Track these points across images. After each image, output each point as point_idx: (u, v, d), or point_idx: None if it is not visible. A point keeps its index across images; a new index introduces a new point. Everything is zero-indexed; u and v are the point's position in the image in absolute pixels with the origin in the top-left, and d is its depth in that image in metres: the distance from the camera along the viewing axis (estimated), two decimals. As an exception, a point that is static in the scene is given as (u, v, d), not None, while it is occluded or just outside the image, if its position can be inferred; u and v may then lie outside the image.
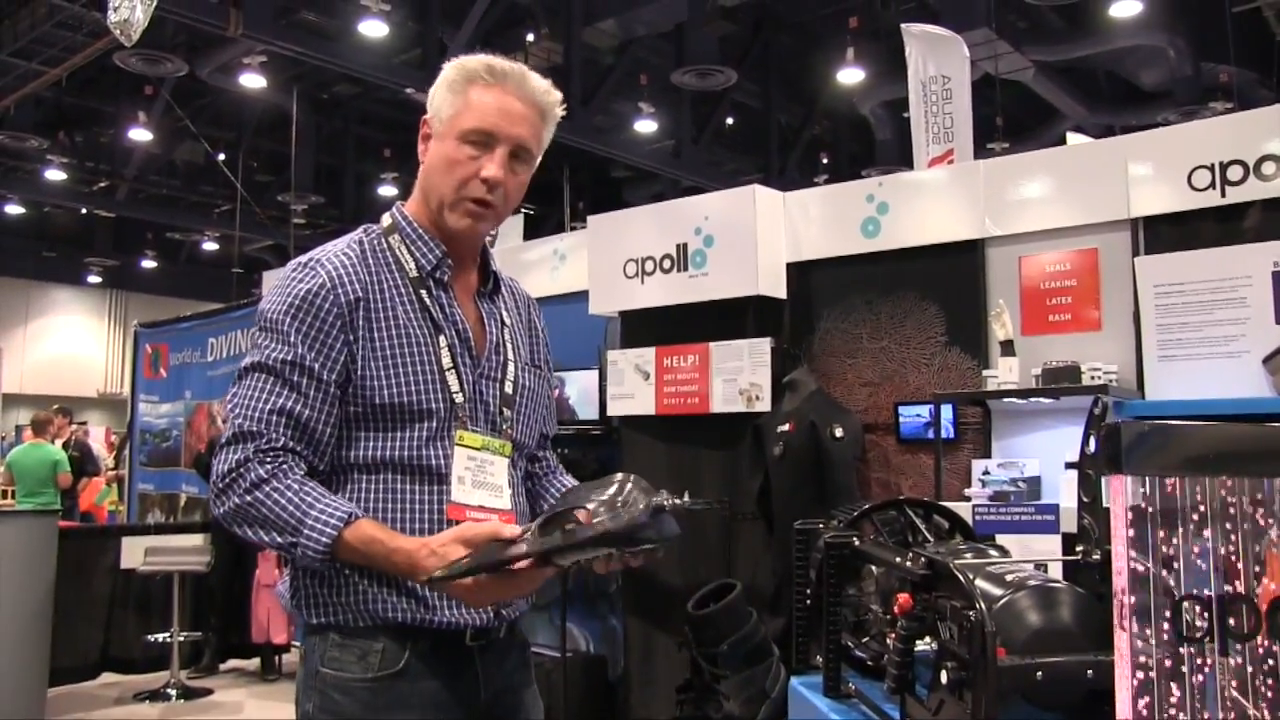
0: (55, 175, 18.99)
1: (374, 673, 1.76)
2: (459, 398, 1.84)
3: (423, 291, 1.87)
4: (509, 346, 1.98)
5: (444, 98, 1.85)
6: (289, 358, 1.76)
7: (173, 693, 7.00)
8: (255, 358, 1.79)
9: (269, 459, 1.72)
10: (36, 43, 13.38)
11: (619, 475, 1.69)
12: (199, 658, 7.80)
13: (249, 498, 1.70)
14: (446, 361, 1.84)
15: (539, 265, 6.90)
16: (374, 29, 13.00)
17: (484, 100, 1.81)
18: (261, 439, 1.73)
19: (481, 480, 1.86)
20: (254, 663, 7.88)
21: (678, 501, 1.65)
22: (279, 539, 1.69)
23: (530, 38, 15.70)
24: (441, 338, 1.85)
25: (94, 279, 25.64)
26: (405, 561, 1.66)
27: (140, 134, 16.97)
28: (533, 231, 12.11)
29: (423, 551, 1.65)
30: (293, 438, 1.75)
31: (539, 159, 1.94)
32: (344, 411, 1.80)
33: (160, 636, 7.30)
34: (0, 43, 13.75)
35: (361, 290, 1.81)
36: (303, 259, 1.86)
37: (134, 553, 7.19)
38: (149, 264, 25.49)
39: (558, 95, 1.90)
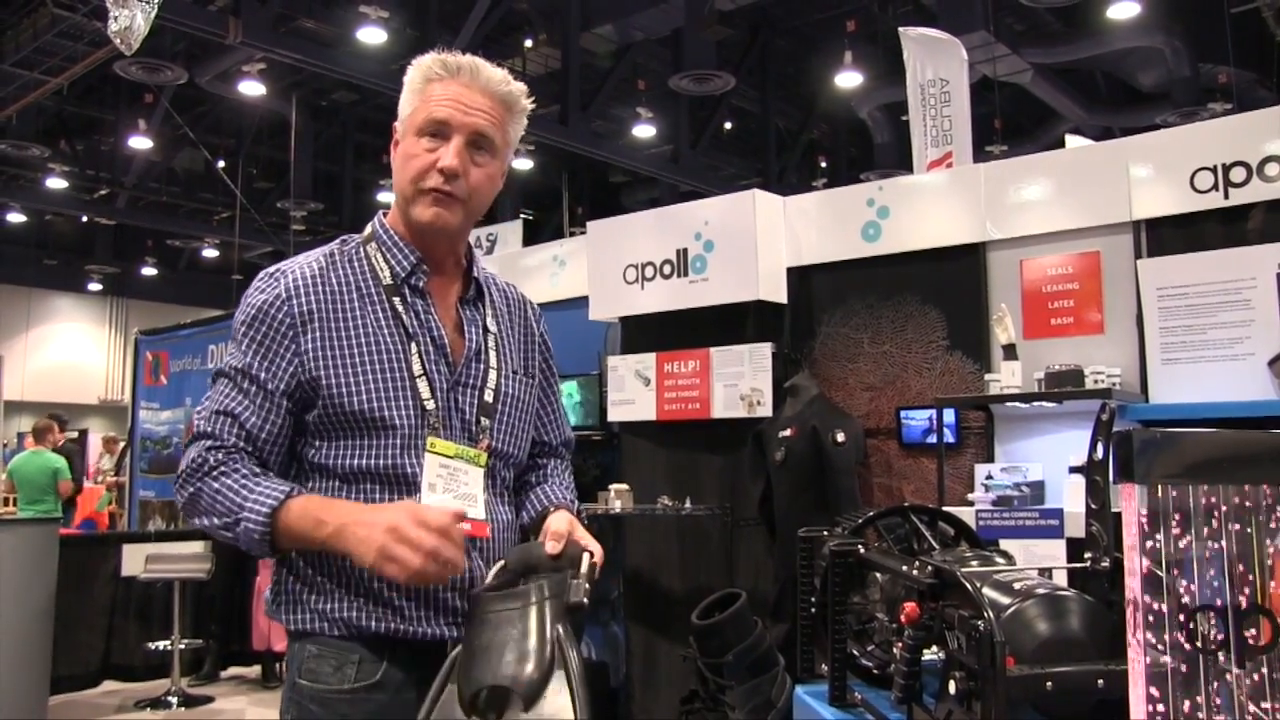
0: (56, 183, 19.02)
1: (350, 684, 1.74)
2: (429, 405, 1.82)
3: (395, 299, 1.85)
4: (492, 354, 1.94)
5: (405, 99, 1.87)
6: (240, 366, 1.79)
7: (174, 700, 6.98)
8: (220, 365, 1.84)
9: (220, 453, 1.75)
10: (38, 52, 13.42)
11: (533, 615, 1.62)
12: (200, 665, 7.78)
13: (200, 484, 1.74)
14: (417, 369, 1.82)
15: (539, 271, 6.89)
16: (372, 36, 13.02)
17: (437, 93, 1.82)
18: (214, 438, 1.77)
19: (454, 489, 1.83)
20: (255, 670, 7.87)
21: (586, 589, 1.64)
22: (223, 521, 1.71)
23: (528, 43, 15.73)
24: (413, 345, 1.83)
25: (95, 286, 25.64)
26: (337, 543, 1.67)
27: (140, 142, 17.00)
28: (532, 237, 12.14)
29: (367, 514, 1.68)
30: (244, 439, 1.77)
31: (509, 151, 1.93)
32: (316, 421, 1.80)
33: (161, 644, 7.29)
34: (2, 53, 13.79)
35: (320, 301, 1.82)
36: (270, 269, 1.88)
37: (135, 560, 7.17)
38: (149, 271, 25.51)
39: (519, 86, 1.89)
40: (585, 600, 1.63)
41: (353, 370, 1.79)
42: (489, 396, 1.91)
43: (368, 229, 1.94)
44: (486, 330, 1.96)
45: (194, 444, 1.78)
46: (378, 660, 1.75)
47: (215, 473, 1.73)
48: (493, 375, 1.92)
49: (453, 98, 1.81)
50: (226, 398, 1.78)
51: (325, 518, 1.68)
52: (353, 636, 1.75)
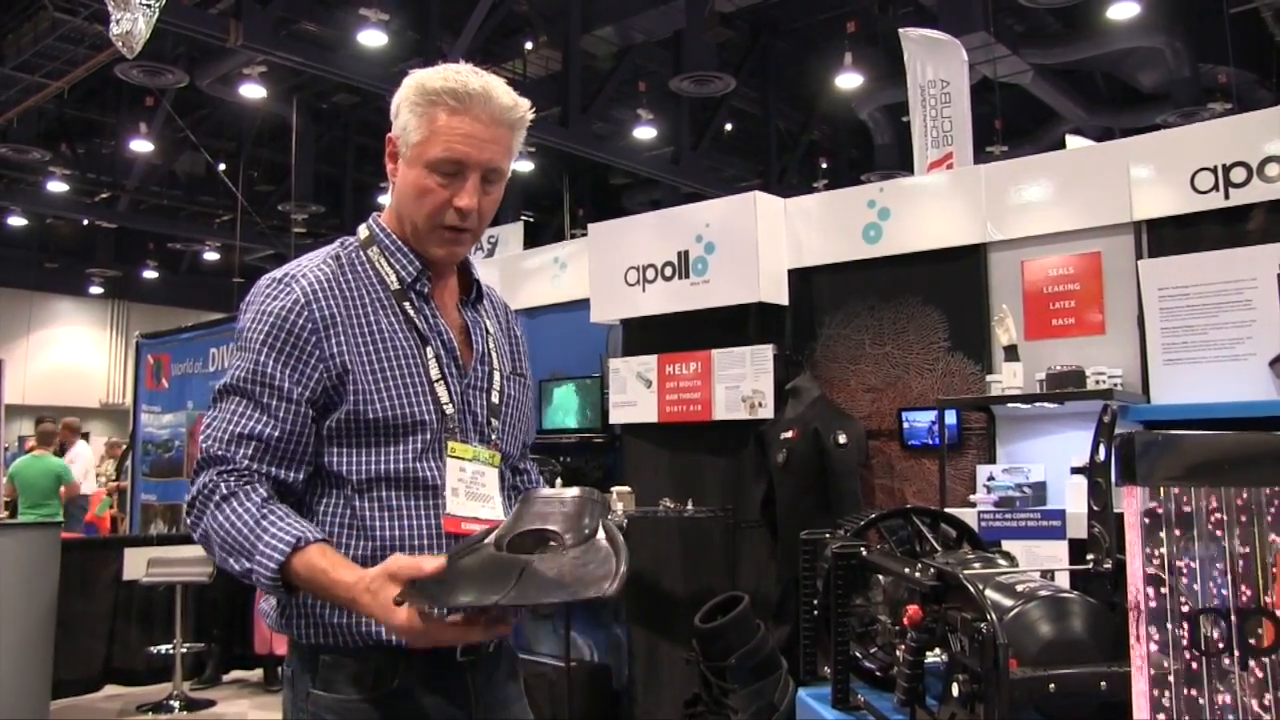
0: (57, 187, 19.02)
1: (367, 693, 1.73)
2: (449, 409, 1.82)
3: (405, 304, 1.85)
4: (494, 356, 1.96)
5: (406, 120, 1.80)
6: (259, 378, 1.74)
7: (176, 704, 6.97)
8: (227, 379, 1.78)
9: (232, 479, 1.70)
10: (39, 56, 13.42)
11: (575, 493, 1.65)
12: (202, 669, 7.77)
13: (212, 521, 1.69)
14: (435, 373, 1.82)
15: (539, 273, 6.89)
16: (373, 38, 13.00)
17: (450, 128, 1.76)
18: (227, 463, 1.71)
19: (474, 491, 1.83)
20: (257, 674, 7.86)
21: (623, 524, 1.63)
22: (239, 565, 1.66)
23: (528, 45, 15.72)
24: (428, 349, 1.83)
25: (96, 290, 25.63)
26: (345, 596, 1.61)
27: (141, 145, 16.98)
28: (533, 239, 12.13)
29: (359, 587, 1.59)
30: (259, 460, 1.72)
31: (511, 168, 1.91)
32: (336, 427, 1.77)
33: (163, 648, 7.27)
34: (3, 56, 13.79)
35: (338, 306, 1.79)
36: (276, 274, 1.83)
37: (137, 564, 7.16)
38: (150, 274, 25.51)
39: (525, 104, 1.85)
40: (624, 522, 1.63)
41: (376, 377, 1.77)
42: (495, 398, 1.92)
43: (364, 232, 1.92)
44: (488, 333, 1.97)
45: (203, 471, 1.73)
46: (392, 669, 1.74)
47: (226, 507, 1.68)
48: (497, 377, 1.94)
49: (467, 133, 1.77)
50: (242, 416, 1.74)
51: (335, 580, 1.62)
52: (367, 647, 1.74)
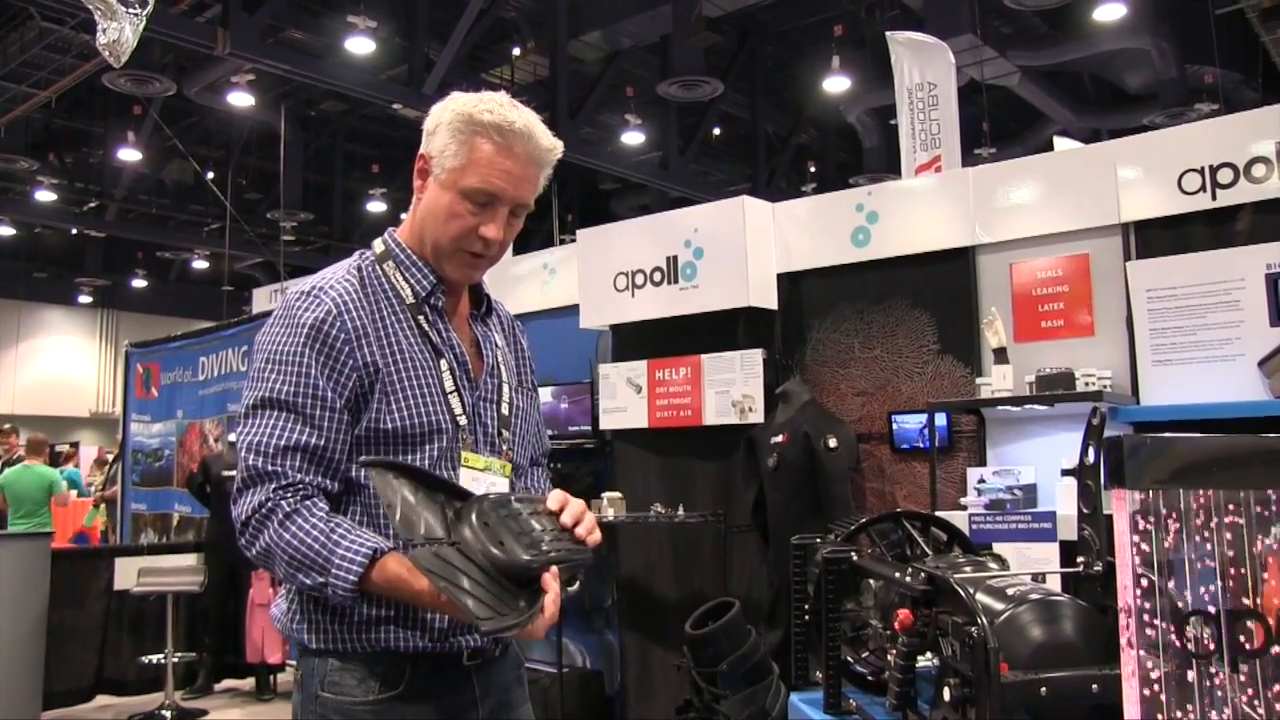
0: (45, 196, 18.97)
1: (374, 695, 1.77)
2: (462, 420, 1.87)
3: (420, 317, 1.89)
4: (503, 369, 2.01)
5: (445, 143, 1.83)
6: (302, 387, 1.76)
7: (168, 714, 6.95)
8: (263, 392, 1.78)
9: (290, 494, 1.72)
10: (26, 65, 13.39)
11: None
12: (193, 678, 7.75)
13: (276, 539, 1.70)
14: (449, 385, 1.87)
15: (529, 279, 6.89)
16: (361, 46, 13.01)
17: (491, 162, 1.81)
18: (281, 478, 1.73)
19: None
20: (249, 683, 7.83)
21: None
22: (311, 579, 1.68)
23: (516, 51, 15.72)
24: (442, 361, 1.88)
25: (85, 299, 25.58)
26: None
27: (129, 154, 16.95)
28: (522, 245, 12.10)
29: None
30: (307, 470, 1.75)
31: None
32: (358, 435, 1.81)
33: (155, 658, 7.25)
34: (-9, 67, 13.75)
35: (365, 318, 1.83)
36: (304, 287, 1.86)
37: (127, 574, 7.14)
38: (139, 283, 25.45)
39: (559, 145, 1.90)
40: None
41: (394, 387, 1.82)
42: (505, 409, 1.98)
43: (380, 246, 1.96)
44: (497, 345, 2.03)
45: (255, 487, 1.73)
46: (400, 672, 1.78)
47: (292, 525, 1.70)
48: (506, 389, 2.00)
49: (506, 171, 1.82)
50: (286, 429, 1.75)
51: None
52: (375, 652, 1.78)
